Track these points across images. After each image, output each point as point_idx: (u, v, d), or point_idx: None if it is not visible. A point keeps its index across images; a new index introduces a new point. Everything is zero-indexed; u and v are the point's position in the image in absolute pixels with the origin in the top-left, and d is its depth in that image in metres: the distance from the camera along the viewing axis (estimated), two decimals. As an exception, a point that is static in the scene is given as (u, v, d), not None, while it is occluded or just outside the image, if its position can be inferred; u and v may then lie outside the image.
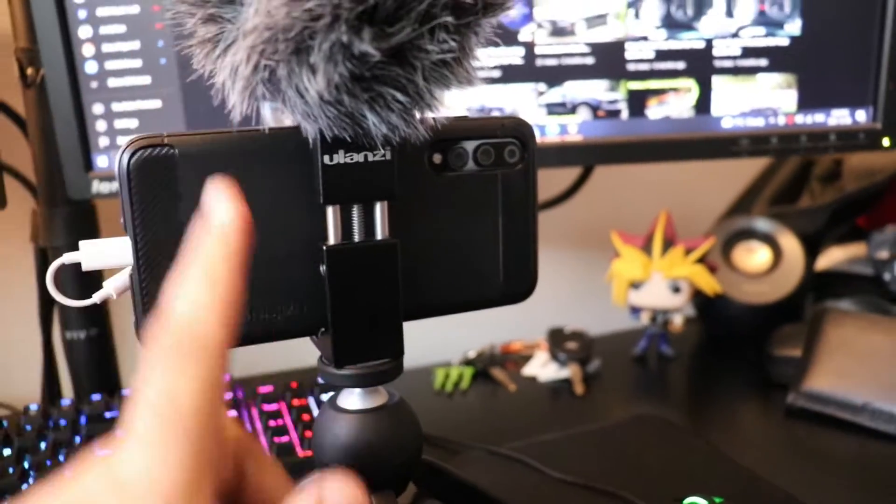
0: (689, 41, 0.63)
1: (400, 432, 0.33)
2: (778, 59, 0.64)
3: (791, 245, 0.77)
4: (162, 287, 0.29)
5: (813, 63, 0.64)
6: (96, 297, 0.30)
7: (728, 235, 0.78)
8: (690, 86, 0.64)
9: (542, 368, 0.72)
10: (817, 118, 0.65)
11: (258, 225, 0.30)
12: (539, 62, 0.62)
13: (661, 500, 0.48)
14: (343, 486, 0.24)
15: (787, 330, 0.70)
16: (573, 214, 0.80)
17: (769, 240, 0.77)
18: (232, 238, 0.23)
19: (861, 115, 0.66)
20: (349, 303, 0.31)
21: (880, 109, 0.65)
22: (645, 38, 0.62)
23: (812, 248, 0.78)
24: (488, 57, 0.60)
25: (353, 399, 0.33)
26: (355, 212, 0.30)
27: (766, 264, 0.77)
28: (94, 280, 0.61)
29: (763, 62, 0.64)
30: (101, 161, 0.59)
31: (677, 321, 0.73)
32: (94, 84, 0.57)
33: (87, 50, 0.57)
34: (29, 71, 0.60)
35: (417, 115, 0.27)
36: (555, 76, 0.62)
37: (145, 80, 0.58)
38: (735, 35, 0.63)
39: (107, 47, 0.57)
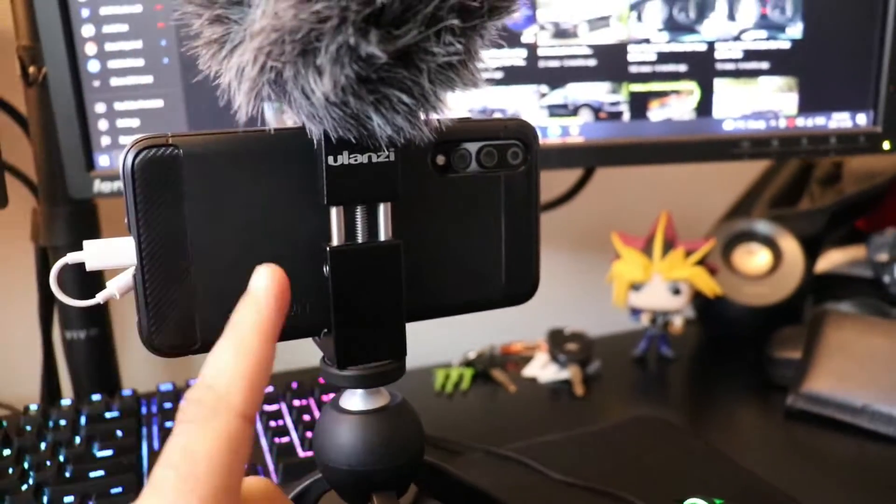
0: (691, 44, 0.63)
1: (402, 433, 0.33)
2: (779, 62, 0.64)
3: (791, 247, 0.77)
4: (165, 287, 0.29)
5: (814, 66, 0.64)
6: (100, 297, 0.30)
7: (728, 237, 0.78)
8: (692, 88, 0.64)
9: (542, 370, 0.72)
10: (818, 121, 0.65)
11: (261, 225, 0.30)
12: (541, 64, 0.62)
13: (661, 502, 0.48)
14: None
15: (787, 332, 0.70)
16: (573, 216, 0.81)
17: (769, 242, 0.78)
18: (265, 306, 0.25)
19: (862, 119, 0.66)
20: (352, 303, 0.31)
21: (881, 113, 0.65)
22: (647, 41, 0.62)
23: (811, 250, 0.78)
24: (492, 59, 0.60)
25: (355, 400, 0.33)
26: (359, 213, 0.30)
27: (766, 266, 0.77)
28: (94, 279, 0.61)
29: (764, 65, 0.64)
30: (102, 160, 0.59)
31: (677, 323, 0.73)
32: (96, 83, 0.57)
33: (90, 49, 0.57)
34: (31, 69, 0.60)
35: (422, 117, 0.27)
36: (557, 78, 0.62)
37: (147, 79, 0.58)
38: (737, 38, 0.63)
39: (109, 46, 0.57)
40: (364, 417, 0.32)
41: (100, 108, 0.58)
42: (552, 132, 0.63)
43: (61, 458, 0.50)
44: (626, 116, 0.63)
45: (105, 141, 0.59)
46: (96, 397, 0.58)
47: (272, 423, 0.54)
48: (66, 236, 0.63)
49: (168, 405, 0.57)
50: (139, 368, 0.74)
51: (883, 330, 0.62)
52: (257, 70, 0.24)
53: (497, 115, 0.62)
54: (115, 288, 0.30)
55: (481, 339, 0.77)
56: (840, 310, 0.72)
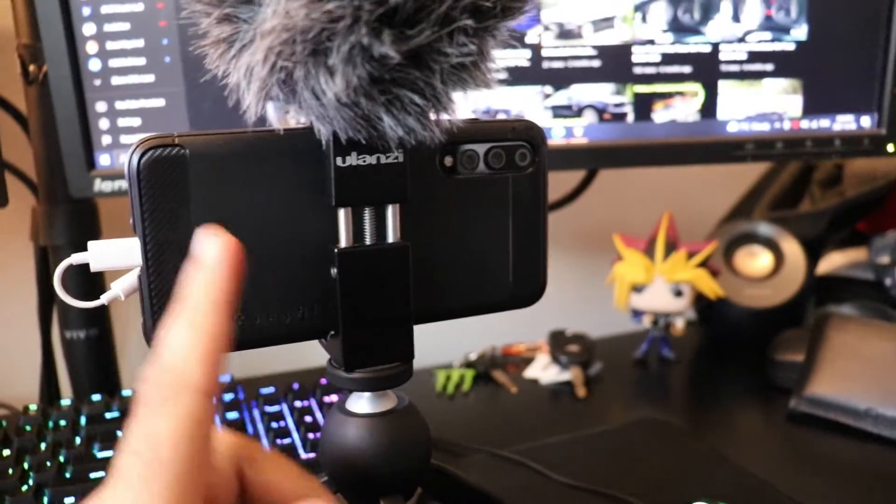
0: (695, 45, 0.63)
1: (410, 436, 0.33)
2: (784, 64, 0.64)
3: (793, 249, 0.77)
4: (171, 288, 0.28)
5: (818, 68, 0.64)
6: (104, 299, 0.30)
7: (730, 239, 0.78)
8: (696, 90, 0.63)
9: (544, 371, 0.72)
10: (822, 123, 0.65)
11: (267, 226, 0.30)
12: (545, 65, 0.61)
13: (665, 505, 0.48)
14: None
15: (789, 334, 0.70)
16: (575, 217, 0.80)
17: (771, 244, 0.77)
18: (217, 276, 0.24)
19: (866, 121, 0.66)
20: (360, 306, 0.30)
21: (885, 115, 0.65)
22: (652, 42, 0.62)
23: (812, 252, 0.78)
24: (503, 60, 0.60)
25: (362, 403, 0.33)
26: (367, 214, 0.30)
27: (768, 268, 0.77)
28: (95, 279, 0.60)
29: (769, 67, 0.64)
30: (103, 159, 0.59)
31: (679, 325, 0.73)
32: (97, 82, 0.57)
33: (91, 47, 0.57)
34: (31, 67, 0.59)
35: (433, 118, 0.27)
36: (561, 79, 0.62)
37: (149, 78, 0.58)
38: (742, 40, 0.63)
39: (111, 45, 0.57)
40: (371, 420, 0.32)
41: (101, 107, 0.58)
42: (556, 133, 0.63)
43: (62, 459, 0.50)
44: (631, 118, 0.63)
45: (106, 140, 0.58)
46: (96, 397, 0.58)
47: (273, 425, 0.54)
48: (65, 236, 0.63)
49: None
50: (139, 369, 0.74)
51: (887, 333, 0.62)
52: (267, 70, 0.24)
53: (501, 116, 0.62)
54: (119, 289, 0.30)
55: (482, 340, 0.77)
56: (843, 313, 0.72)
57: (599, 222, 0.86)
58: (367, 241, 0.30)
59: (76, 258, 0.29)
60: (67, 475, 0.48)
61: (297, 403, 0.57)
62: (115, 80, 0.57)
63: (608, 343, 0.78)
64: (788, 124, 0.65)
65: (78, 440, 0.52)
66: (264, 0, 0.24)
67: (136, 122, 0.58)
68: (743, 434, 0.62)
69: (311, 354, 0.64)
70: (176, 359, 0.23)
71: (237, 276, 0.24)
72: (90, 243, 0.29)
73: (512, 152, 0.33)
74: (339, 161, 0.28)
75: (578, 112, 0.63)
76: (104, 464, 0.49)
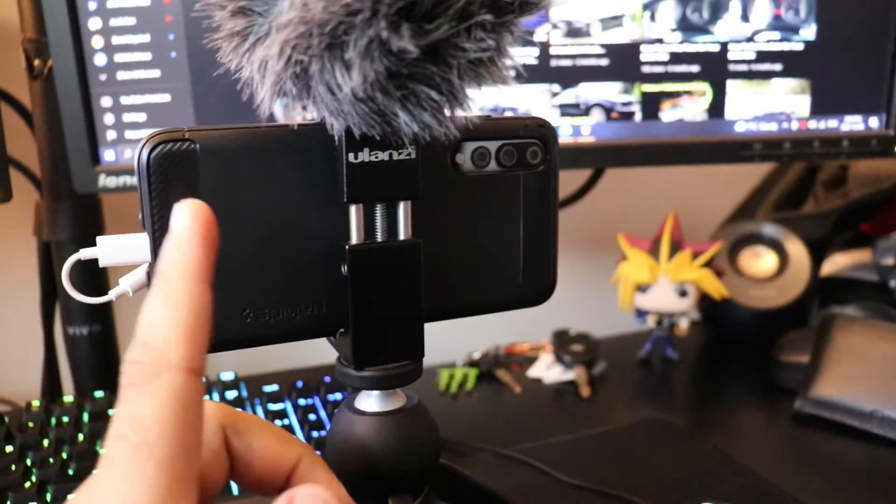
0: (704, 44, 0.62)
1: (419, 435, 0.32)
2: (792, 64, 0.64)
3: (797, 250, 0.77)
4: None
5: (827, 68, 0.64)
6: (112, 294, 0.30)
7: (734, 240, 0.78)
8: (704, 89, 0.63)
9: (547, 370, 0.72)
10: (830, 124, 0.65)
11: (278, 222, 0.29)
12: (553, 63, 0.61)
13: (671, 506, 0.47)
14: (316, 492, 0.23)
15: (794, 335, 0.70)
16: (580, 216, 0.80)
17: (775, 245, 0.77)
18: (188, 247, 0.23)
19: (874, 122, 0.65)
20: (371, 303, 0.30)
21: (893, 116, 0.64)
22: (660, 41, 0.62)
23: (817, 253, 0.78)
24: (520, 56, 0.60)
25: (371, 401, 0.32)
26: (378, 211, 0.30)
27: (773, 269, 0.76)
28: (98, 275, 0.60)
29: (777, 67, 0.63)
30: (108, 155, 0.58)
31: (683, 325, 0.72)
32: (102, 77, 0.57)
33: (97, 42, 0.56)
34: (36, 62, 0.59)
35: (447, 114, 0.26)
36: (569, 77, 0.61)
37: (155, 73, 0.57)
38: (750, 39, 0.63)
39: (116, 40, 0.56)
40: (381, 419, 0.32)
41: (106, 102, 0.57)
42: (563, 132, 0.63)
43: (65, 456, 0.50)
44: (638, 117, 0.63)
45: (111, 135, 0.58)
46: (99, 394, 0.57)
47: (277, 423, 0.54)
48: (69, 231, 0.62)
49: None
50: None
51: (892, 335, 0.62)
52: (283, 63, 0.24)
53: (507, 114, 0.61)
54: (128, 285, 0.30)
55: (485, 339, 0.77)
56: (848, 314, 0.71)
57: (603, 222, 0.85)
58: (379, 238, 0.30)
59: (84, 253, 0.29)
60: (70, 472, 0.48)
61: (301, 401, 0.56)
62: (121, 75, 0.57)
63: (612, 343, 0.78)
64: (796, 124, 0.65)
65: (81, 437, 0.52)
66: (280, -7, 0.24)
67: (141, 117, 0.58)
68: (747, 435, 0.62)
69: (314, 352, 0.64)
70: (155, 336, 0.22)
71: (211, 246, 0.23)
72: (99, 238, 0.29)
73: (523, 150, 0.33)
74: (351, 157, 0.28)
75: (586, 110, 0.62)
76: (107, 460, 0.49)
